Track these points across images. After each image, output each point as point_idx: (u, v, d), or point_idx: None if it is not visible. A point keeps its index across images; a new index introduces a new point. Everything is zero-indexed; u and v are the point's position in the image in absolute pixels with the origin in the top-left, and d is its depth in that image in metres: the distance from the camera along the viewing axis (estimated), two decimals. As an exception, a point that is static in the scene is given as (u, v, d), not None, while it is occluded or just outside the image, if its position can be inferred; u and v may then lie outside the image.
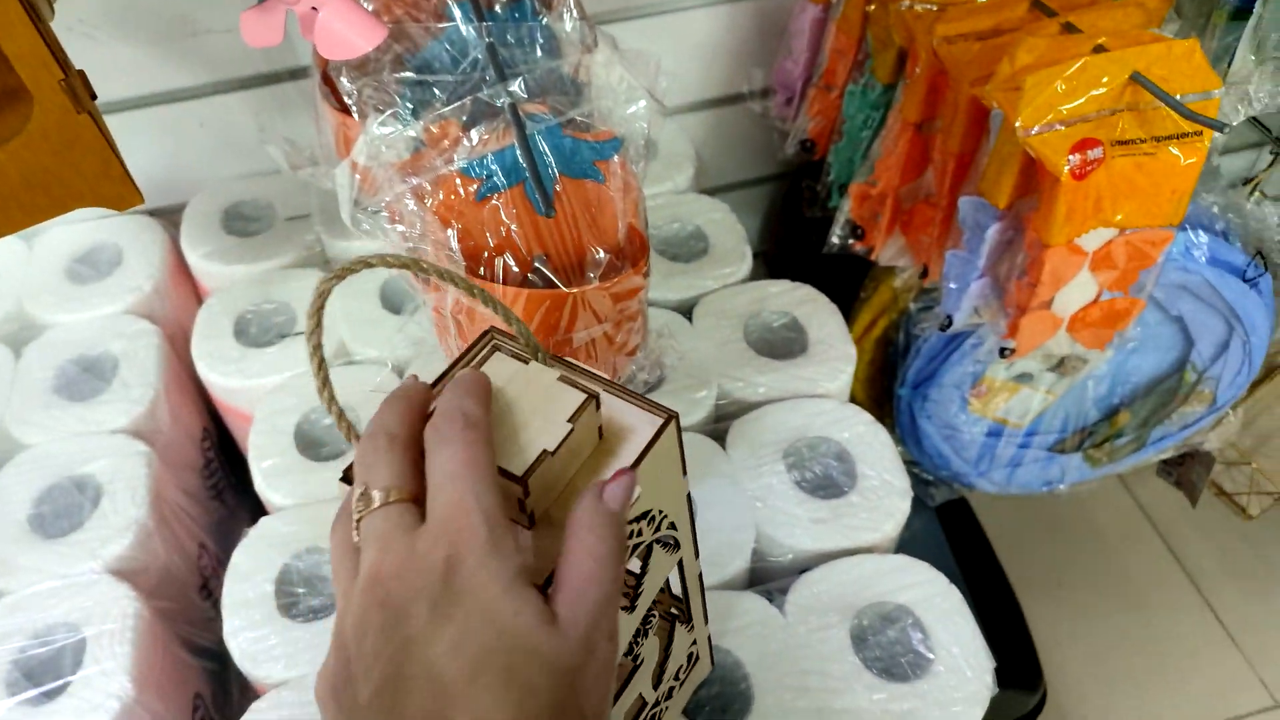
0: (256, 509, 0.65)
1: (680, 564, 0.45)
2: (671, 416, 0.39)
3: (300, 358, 0.69)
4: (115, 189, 0.38)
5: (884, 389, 0.90)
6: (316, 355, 0.34)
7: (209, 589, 0.67)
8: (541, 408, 0.37)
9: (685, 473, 0.42)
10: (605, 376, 0.40)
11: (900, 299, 0.82)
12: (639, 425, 0.39)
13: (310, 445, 0.65)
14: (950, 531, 0.93)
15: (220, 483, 0.75)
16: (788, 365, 0.68)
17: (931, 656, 0.54)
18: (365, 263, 0.36)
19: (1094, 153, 0.59)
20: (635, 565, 0.43)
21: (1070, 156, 0.58)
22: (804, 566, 0.59)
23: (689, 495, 0.43)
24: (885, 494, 0.61)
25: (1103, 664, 1.10)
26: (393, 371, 0.66)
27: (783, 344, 0.71)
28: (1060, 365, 0.85)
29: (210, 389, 0.71)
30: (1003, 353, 0.68)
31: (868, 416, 0.65)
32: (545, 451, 0.35)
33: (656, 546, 0.42)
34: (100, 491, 0.62)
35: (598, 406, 0.37)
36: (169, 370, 0.71)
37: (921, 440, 0.89)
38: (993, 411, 0.88)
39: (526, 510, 0.35)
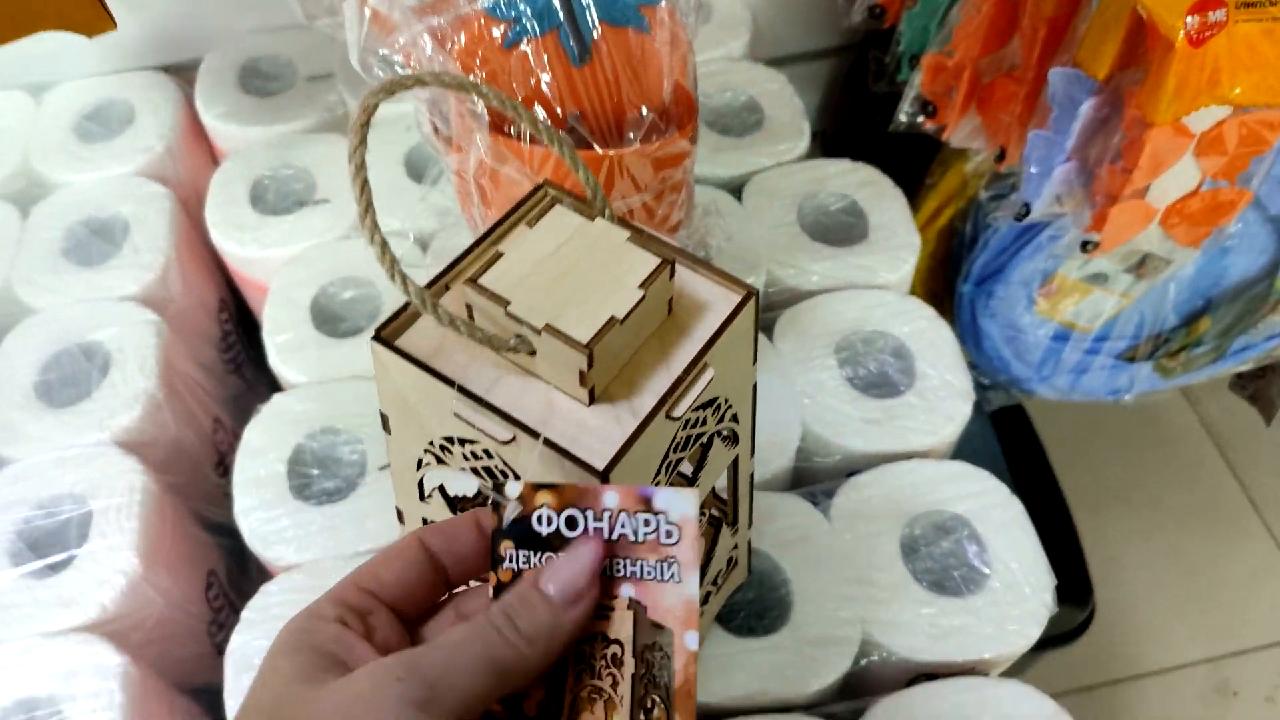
0: (277, 386, 0.62)
1: (735, 461, 0.41)
2: (751, 293, 0.34)
3: (319, 228, 0.65)
4: (83, 12, 0.33)
5: (945, 284, 0.84)
6: (360, 177, 0.29)
7: (225, 465, 0.65)
8: (609, 270, 0.32)
9: (756, 359, 0.37)
10: (674, 244, 0.35)
11: (970, 185, 0.75)
12: (714, 301, 0.34)
13: (327, 320, 0.61)
14: (1005, 439, 0.88)
15: (239, 357, 0.72)
16: (845, 252, 0.62)
17: (987, 571, 0.50)
18: (418, 80, 0.31)
19: (1215, 15, 0.51)
20: (693, 462, 0.38)
21: (1188, 19, 0.50)
22: (852, 469, 0.54)
23: (754, 386, 0.38)
24: (945, 395, 0.56)
25: (1154, 583, 1.06)
26: (415, 244, 0.61)
27: (840, 229, 0.65)
28: (1139, 266, 0.78)
29: (225, 258, 0.67)
30: (1085, 247, 0.61)
31: (930, 311, 0.60)
32: (613, 319, 0.31)
33: (717, 440, 0.38)
34: (109, 360, 0.59)
35: (672, 274, 0.33)
36: (181, 236, 0.66)
37: (981, 341, 0.83)
38: (1061, 314, 0.82)
39: (586, 384, 0.31)
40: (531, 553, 0.27)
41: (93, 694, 0.47)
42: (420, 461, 0.36)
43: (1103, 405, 0.91)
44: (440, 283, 0.34)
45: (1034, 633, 0.48)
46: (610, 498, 0.27)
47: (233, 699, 0.47)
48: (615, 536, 0.27)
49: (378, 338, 0.33)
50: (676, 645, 0.26)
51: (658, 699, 0.26)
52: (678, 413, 0.32)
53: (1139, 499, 1.11)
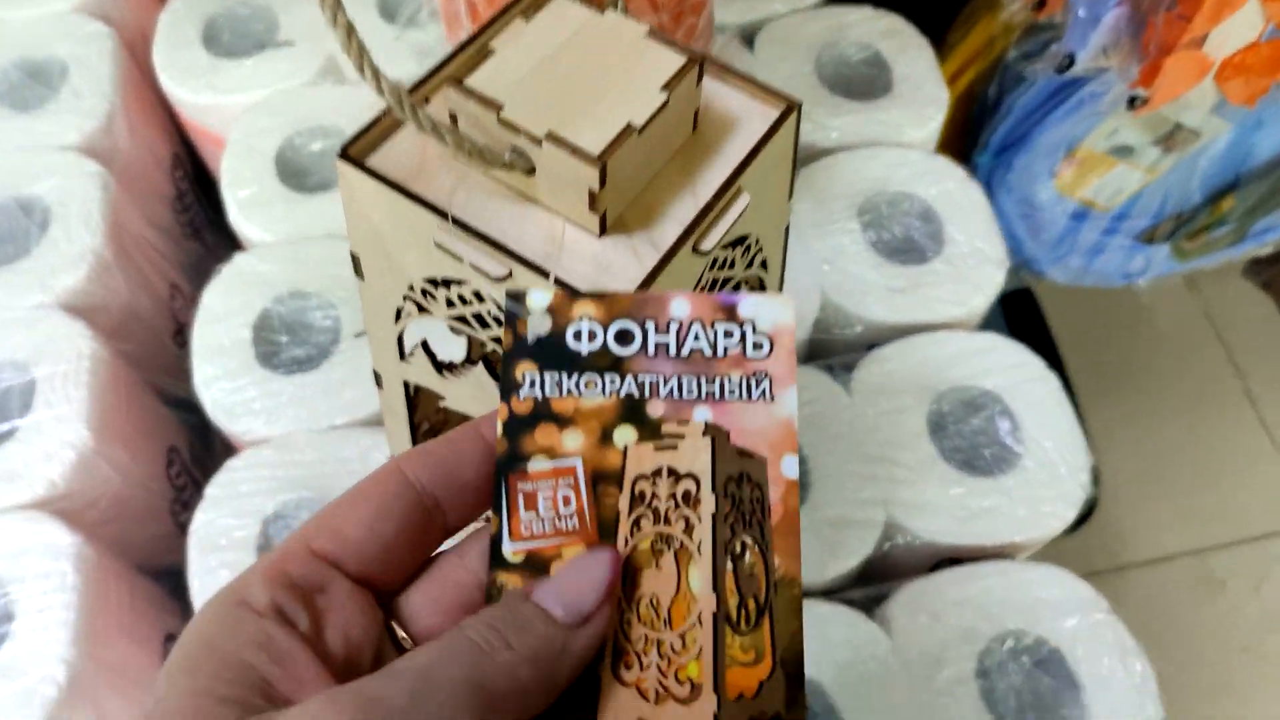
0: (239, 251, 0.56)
1: None
2: (793, 106, 0.29)
3: (283, 73, 0.58)
4: None
5: (959, 156, 0.78)
6: None
7: (184, 335, 0.59)
8: (624, 70, 0.27)
9: (793, 191, 0.32)
10: (696, 49, 0.29)
11: (997, 44, 0.69)
12: (746, 116, 0.29)
13: (293, 174, 0.55)
14: (1013, 323, 0.84)
15: (197, 219, 0.65)
16: (867, 107, 0.57)
17: (1020, 450, 0.46)
18: None
19: None
20: None
21: None
22: (874, 341, 0.50)
23: (787, 228, 0.33)
24: (976, 262, 0.51)
25: (1144, 473, 1.04)
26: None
27: (862, 82, 0.59)
28: (1169, 138, 0.73)
29: (176, 106, 0.60)
30: (1131, 103, 0.56)
31: (960, 171, 0.55)
32: (630, 126, 0.25)
33: (744, 289, 0.33)
34: (49, 215, 0.53)
35: (700, 77, 0.27)
36: (127, 81, 0.59)
37: (995, 218, 0.78)
38: (1080, 190, 0.77)
39: (598, 209, 0.26)
40: (565, 375, 0.21)
41: (44, 575, 0.43)
42: (399, 311, 0.32)
43: (1106, 291, 0.88)
44: (420, 91, 0.29)
45: (1069, 515, 0.45)
46: (680, 306, 0.22)
47: (197, 580, 0.43)
48: (687, 353, 0.22)
49: (345, 155, 0.28)
50: (771, 474, 0.21)
51: (749, 541, 0.21)
52: (706, 246, 0.28)
53: (1134, 388, 1.09)
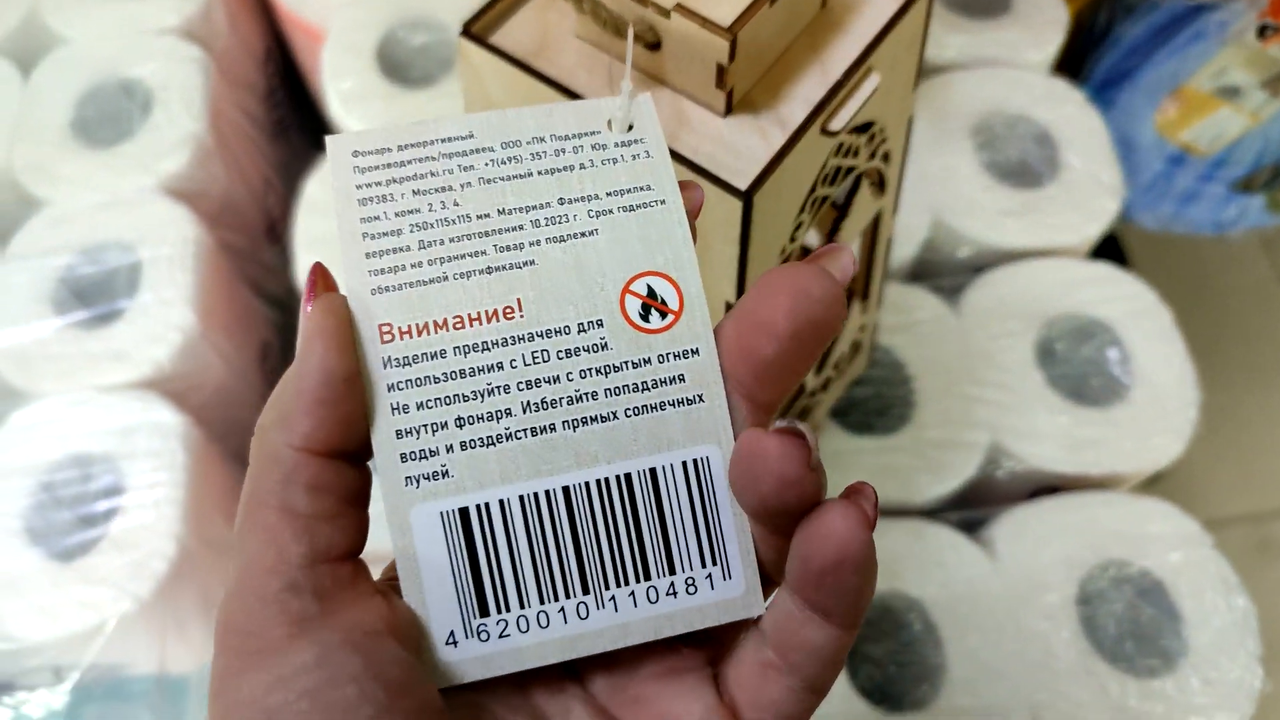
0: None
1: (877, 218, 0.35)
2: None
3: (382, -34, 0.57)
4: None
5: (1058, 91, 0.76)
6: None
7: (276, 232, 0.59)
8: None
9: (918, 82, 0.31)
10: None
11: (1113, -30, 0.67)
12: None
13: (395, 68, 0.54)
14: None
15: (286, 119, 0.65)
16: (985, 25, 0.55)
17: (1129, 381, 0.46)
18: None
19: None
20: (829, 214, 0.33)
21: None
22: (982, 264, 0.49)
23: (910, 120, 0.33)
24: (1092, 190, 0.50)
25: (1214, 433, 1.03)
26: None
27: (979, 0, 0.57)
28: (1276, 81, 0.70)
29: (274, -4, 0.59)
30: (1262, 33, 0.54)
31: (1080, 95, 0.53)
32: None
33: (865, 183, 0.32)
34: (151, 98, 0.53)
35: None
36: (226, -33, 0.58)
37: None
38: (1181, 132, 0.74)
39: (725, 85, 0.25)
40: None
41: (154, 452, 0.44)
42: None
43: (1178, 241, 0.86)
44: None
45: (1176, 449, 0.44)
46: None
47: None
48: None
49: (467, 33, 0.27)
50: None
51: None
52: (835, 126, 0.27)
53: (1206, 349, 1.07)
